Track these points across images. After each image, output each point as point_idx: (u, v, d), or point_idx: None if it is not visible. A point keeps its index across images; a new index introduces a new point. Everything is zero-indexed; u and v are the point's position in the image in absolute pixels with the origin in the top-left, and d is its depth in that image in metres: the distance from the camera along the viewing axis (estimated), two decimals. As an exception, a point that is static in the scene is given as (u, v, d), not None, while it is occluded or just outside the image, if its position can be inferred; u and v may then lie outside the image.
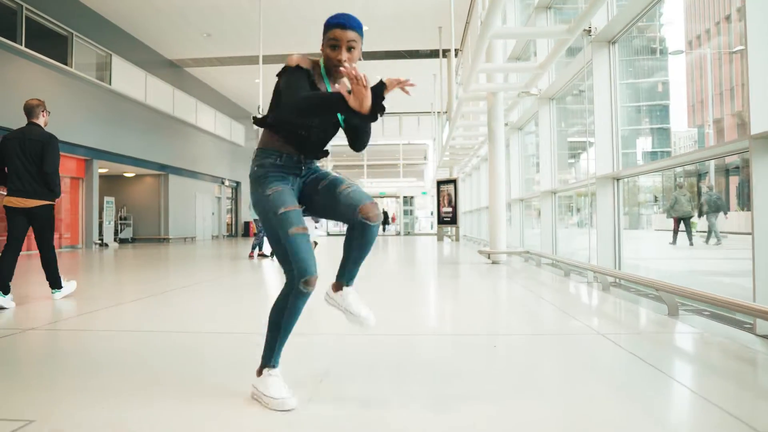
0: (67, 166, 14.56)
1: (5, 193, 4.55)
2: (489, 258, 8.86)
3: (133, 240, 19.25)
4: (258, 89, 22.14)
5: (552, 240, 8.43)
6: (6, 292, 4.32)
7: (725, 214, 10.89)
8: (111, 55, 15.85)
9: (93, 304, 4.72)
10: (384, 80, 1.89)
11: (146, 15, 15.51)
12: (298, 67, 2.04)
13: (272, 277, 7.38)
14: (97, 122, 15.07)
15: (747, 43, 3.14)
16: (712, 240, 12.17)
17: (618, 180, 5.72)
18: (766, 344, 3.01)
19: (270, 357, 2.11)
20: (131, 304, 4.78)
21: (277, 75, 2.11)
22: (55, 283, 4.72)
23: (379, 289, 5.64)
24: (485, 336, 3.41)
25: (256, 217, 10.58)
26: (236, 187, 27.22)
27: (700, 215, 11.62)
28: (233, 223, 27.19)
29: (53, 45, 13.51)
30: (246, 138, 27.85)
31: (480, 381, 2.38)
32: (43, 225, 4.64)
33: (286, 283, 2.11)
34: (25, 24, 12.31)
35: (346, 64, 1.93)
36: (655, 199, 13.86)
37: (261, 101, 14.63)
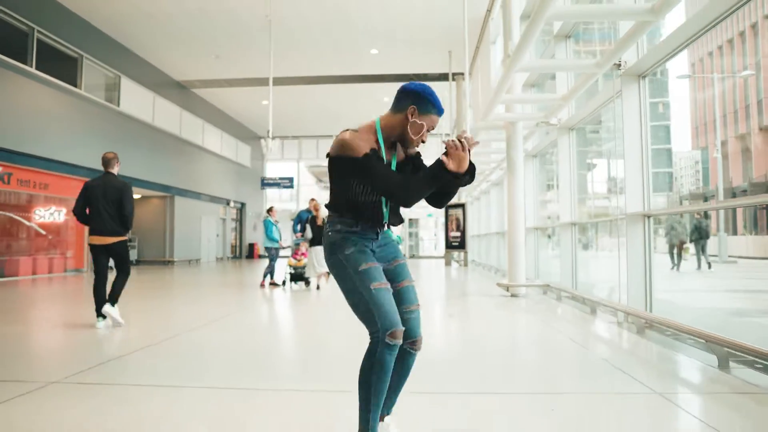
0: (73, 189, 14.37)
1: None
2: (508, 290, 8.64)
3: (138, 262, 19.01)
4: (266, 110, 22.20)
5: (572, 272, 8.22)
6: (99, 314, 5.39)
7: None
8: (120, 76, 15.80)
9: (167, 328, 5.18)
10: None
11: (156, 37, 15.49)
12: (372, 150, 2.01)
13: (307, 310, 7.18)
14: (104, 144, 14.90)
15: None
16: (703, 265, 12.23)
17: (649, 217, 5.48)
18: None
19: (367, 420, 2.04)
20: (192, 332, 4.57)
21: (335, 159, 2.08)
22: (114, 300, 5.45)
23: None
24: (540, 396, 3.20)
25: (269, 245, 10.39)
26: (241, 208, 27.07)
27: (691, 241, 11.70)
28: (238, 244, 26.97)
29: (63, 67, 13.44)
30: (252, 158, 27.78)
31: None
32: (122, 256, 5.58)
33: (371, 342, 2.08)
34: (36, 46, 12.25)
35: (453, 140, 1.94)
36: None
37: (270, 123, 14.58)
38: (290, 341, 5.34)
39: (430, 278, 13.60)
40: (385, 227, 2.17)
